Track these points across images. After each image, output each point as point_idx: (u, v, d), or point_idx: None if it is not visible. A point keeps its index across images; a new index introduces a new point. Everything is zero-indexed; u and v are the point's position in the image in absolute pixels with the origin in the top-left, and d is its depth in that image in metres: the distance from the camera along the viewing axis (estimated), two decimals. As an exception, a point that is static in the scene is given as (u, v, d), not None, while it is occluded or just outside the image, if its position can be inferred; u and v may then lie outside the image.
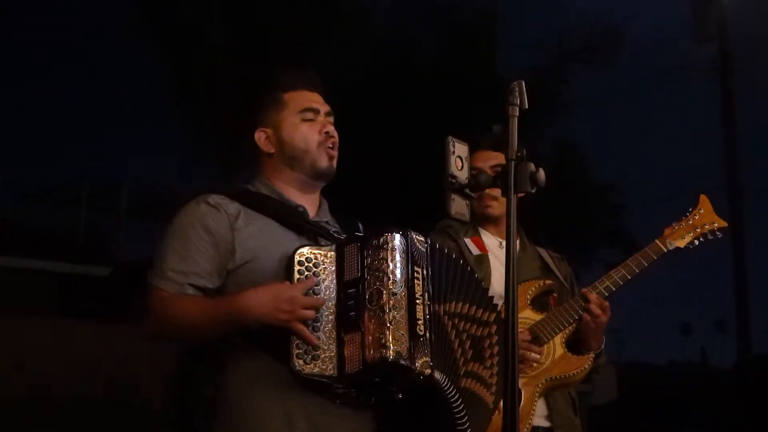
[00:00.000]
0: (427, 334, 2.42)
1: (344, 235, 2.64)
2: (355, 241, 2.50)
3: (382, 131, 15.28)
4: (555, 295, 3.66)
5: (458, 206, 2.33)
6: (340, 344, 2.40)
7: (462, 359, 2.56)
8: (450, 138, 2.33)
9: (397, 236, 2.44)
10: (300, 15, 14.82)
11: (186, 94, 15.41)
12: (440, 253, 2.59)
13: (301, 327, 2.39)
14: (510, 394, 2.12)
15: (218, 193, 2.66)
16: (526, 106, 2.23)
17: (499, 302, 2.72)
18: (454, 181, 2.31)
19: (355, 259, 2.46)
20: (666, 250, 3.57)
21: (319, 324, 2.42)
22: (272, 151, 2.75)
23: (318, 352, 2.39)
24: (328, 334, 2.42)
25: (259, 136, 2.77)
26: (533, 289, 3.59)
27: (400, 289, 2.39)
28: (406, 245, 2.45)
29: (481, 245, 3.62)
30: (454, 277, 2.61)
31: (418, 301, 2.41)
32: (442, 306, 2.53)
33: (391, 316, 2.35)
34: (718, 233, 3.63)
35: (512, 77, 2.29)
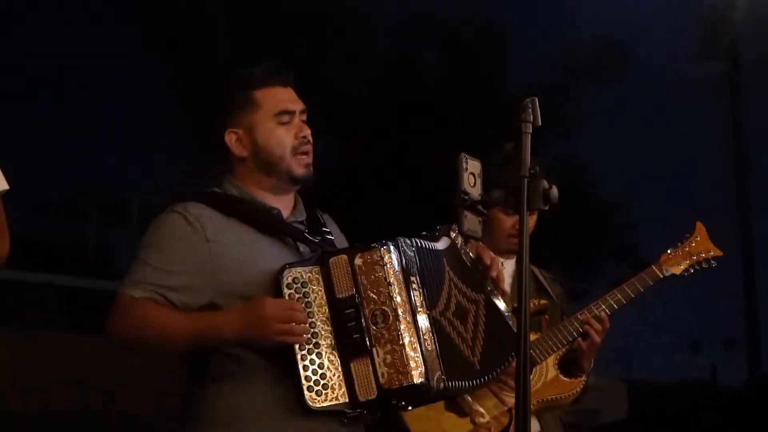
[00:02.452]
0: (435, 347, 2.38)
1: (318, 238, 2.59)
2: (341, 254, 2.42)
3: (389, 147, 15.28)
4: (547, 316, 3.68)
5: (470, 223, 2.32)
6: (346, 369, 2.34)
7: (467, 354, 2.53)
8: (463, 155, 2.32)
9: (392, 248, 2.40)
10: (306, 29, 14.85)
11: (195, 109, 15.44)
12: (426, 252, 2.53)
13: (285, 341, 2.33)
14: (522, 411, 2.10)
15: (191, 200, 2.58)
16: (539, 123, 2.21)
17: None
18: (466, 197, 2.30)
19: (344, 274, 2.38)
20: (662, 276, 3.62)
21: (320, 350, 2.35)
22: (245, 154, 2.63)
23: (326, 381, 2.33)
24: (331, 360, 2.35)
25: (230, 138, 2.64)
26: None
27: (404, 307, 2.35)
28: (400, 256, 2.40)
29: None
30: (438, 272, 2.55)
31: (419, 314, 2.38)
32: (440, 309, 2.48)
33: (401, 338, 2.31)
34: (713, 262, 3.69)
35: (520, 93, 2.28)
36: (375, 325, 2.33)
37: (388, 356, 2.29)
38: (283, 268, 2.41)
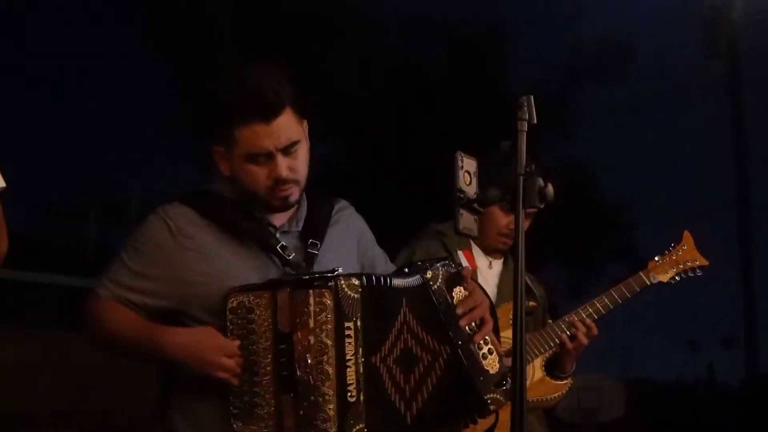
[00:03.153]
0: (361, 397, 2.29)
1: (300, 255, 2.52)
2: (288, 286, 2.35)
3: (392, 146, 15.29)
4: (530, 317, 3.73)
5: (466, 221, 2.31)
6: (277, 402, 2.31)
7: (399, 407, 2.40)
8: (458, 153, 2.31)
9: (323, 291, 2.31)
10: (308, 29, 14.85)
11: (195, 110, 15.45)
12: (375, 289, 2.39)
13: (222, 376, 2.32)
14: (519, 409, 2.11)
15: (176, 201, 2.55)
16: (535, 121, 2.22)
17: None
18: (462, 195, 2.29)
19: (286, 309, 2.32)
20: (648, 284, 3.69)
21: (257, 378, 2.32)
22: (227, 174, 2.55)
23: (256, 410, 2.31)
24: (267, 389, 2.32)
25: (216, 151, 2.56)
26: None
27: (326, 355, 2.28)
28: (334, 298, 2.31)
29: (471, 260, 3.64)
30: (390, 313, 2.42)
31: (349, 362, 2.29)
32: (382, 354, 2.37)
33: (317, 389, 2.27)
34: (698, 271, 3.76)
35: (522, 93, 2.28)
36: (299, 368, 2.28)
37: (306, 403, 2.26)
38: (230, 293, 2.36)
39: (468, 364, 2.49)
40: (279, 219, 2.59)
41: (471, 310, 2.55)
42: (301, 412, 2.26)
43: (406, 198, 14.41)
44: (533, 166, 2.22)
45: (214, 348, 2.33)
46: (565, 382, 3.62)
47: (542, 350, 3.57)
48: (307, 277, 2.36)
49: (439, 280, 2.54)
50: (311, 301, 2.29)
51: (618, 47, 17.56)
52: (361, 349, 2.31)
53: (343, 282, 2.32)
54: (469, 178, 2.31)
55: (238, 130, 2.44)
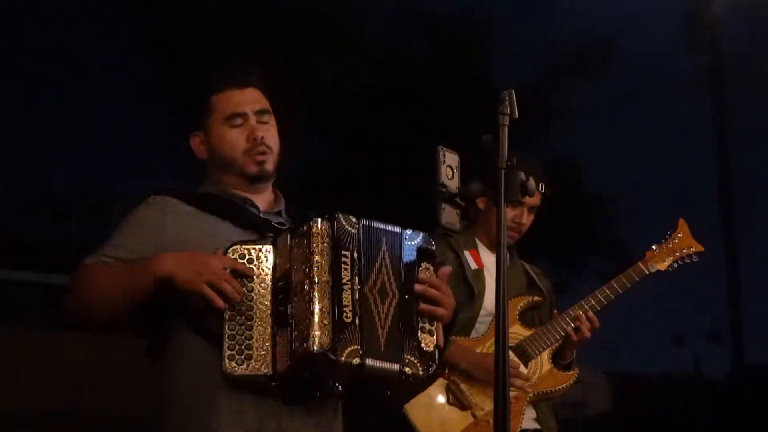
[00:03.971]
0: (356, 321, 2.34)
1: (283, 228, 2.58)
2: (287, 232, 2.45)
3: (376, 142, 15.29)
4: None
5: (449, 215, 2.32)
6: (273, 342, 2.36)
7: (394, 333, 2.45)
8: (440, 147, 2.33)
9: (320, 221, 2.39)
10: (295, 27, 14.84)
11: (179, 108, 15.41)
12: (373, 229, 2.49)
13: (208, 291, 2.33)
14: (501, 405, 2.12)
15: (162, 194, 2.62)
16: (516, 116, 2.23)
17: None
18: (444, 190, 2.31)
19: (285, 250, 2.42)
20: (648, 273, 3.78)
21: (252, 323, 2.37)
22: (204, 156, 2.70)
23: (251, 352, 2.35)
24: (262, 332, 2.37)
25: (194, 141, 2.72)
26: (522, 304, 3.80)
27: (323, 277, 2.34)
28: (331, 230, 2.39)
29: (477, 260, 3.72)
30: (376, 250, 2.50)
31: (345, 287, 2.35)
32: (370, 285, 2.43)
33: (313, 306, 2.30)
34: (695, 257, 3.86)
35: (505, 88, 2.29)
36: (296, 296, 2.35)
37: (302, 327, 2.29)
38: (229, 246, 2.45)
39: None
40: (261, 204, 2.69)
41: (430, 287, 2.55)
42: (295, 334, 2.30)
43: (389, 193, 14.42)
44: (514, 160, 2.23)
45: (210, 263, 2.36)
46: (572, 372, 3.74)
47: (549, 344, 3.68)
48: (305, 225, 2.42)
49: (415, 242, 2.57)
50: (313, 230, 2.37)
51: (600, 41, 17.60)
52: (356, 278, 2.38)
53: (342, 217, 2.41)
54: (451, 173, 2.33)
55: (214, 98, 2.65)
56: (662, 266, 3.81)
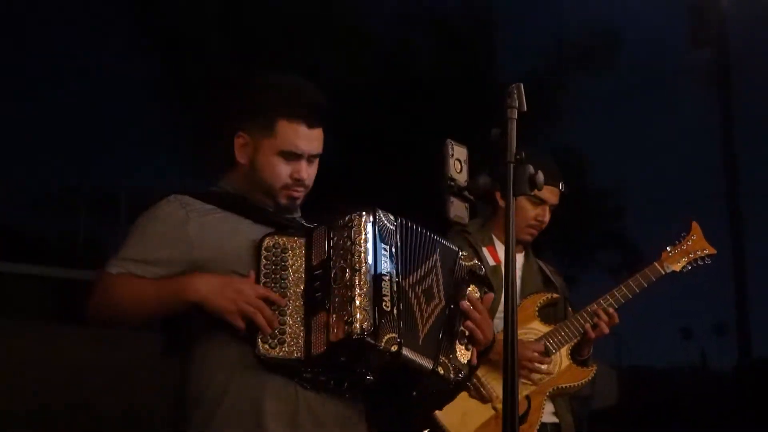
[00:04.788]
0: (395, 310, 2.38)
1: (313, 225, 2.61)
2: (324, 225, 2.50)
3: (380, 137, 15.28)
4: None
5: (457, 209, 2.33)
6: (307, 328, 2.39)
7: (434, 334, 2.52)
8: (449, 141, 2.33)
9: (363, 215, 2.43)
10: (297, 22, 14.83)
11: (184, 102, 15.42)
12: (410, 229, 2.55)
13: (240, 323, 2.36)
14: (510, 397, 2.12)
15: (183, 193, 2.63)
16: (525, 109, 2.23)
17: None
18: (452, 183, 2.32)
19: (322, 241, 2.46)
20: (664, 273, 3.90)
21: (286, 308, 2.40)
22: (244, 162, 2.68)
23: (284, 336, 2.38)
24: (295, 319, 2.40)
25: (238, 141, 2.69)
26: (541, 301, 3.88)
27: (364, 266, 2.37)
28: (373, 223, 2.43)
29: (495, 256, 3.79)
30: (422, 250, 2.57)
31: (384, 278, 2.39)
32: (411, 281, 2.49)
33: (354, 292, 2.34)
34: (707, 260, 3.98)
35: (510, 82, 2.29)
36: (335, 283, 2.37)
37: (342, 312, 2.32)
38: (265, 236, 2.48)
39: (446, 329, 2.55)
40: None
41: (475, 309, 2.63)
42: (334, 318, 2.33)
43: (393, 188, 14.43)
44: (523, 154, 2.22)
45: (243, 291, 2.39)
46: (591, 369, 3.84)
47: (568, 340, 3.78)
48: (346, 217, 2.46)
49: (467, 263, 2.68)
50: (355, 222, 2.42)
51: (605, 35, 17.56)
52: (395, 271, 2.43)
53: (381, 213, 2.48)
54: (459, 166, 2.33)
55: (280, 122, 2.61)
56: (677, 267, 3.91)
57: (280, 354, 2.37)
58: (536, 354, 3.67)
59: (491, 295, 2.70)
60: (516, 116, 2.21)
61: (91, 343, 11.13)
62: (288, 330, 2.38)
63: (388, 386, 2.52)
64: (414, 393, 2.57)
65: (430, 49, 17.70)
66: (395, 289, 2.40)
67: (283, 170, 2.63)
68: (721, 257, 4.03)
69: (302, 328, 2.39)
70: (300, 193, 2.69)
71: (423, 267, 2.54)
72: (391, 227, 2.49)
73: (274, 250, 2.45)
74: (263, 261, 2.44)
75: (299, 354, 2.37)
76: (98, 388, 10.48)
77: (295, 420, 2.44)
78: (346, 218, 2.43)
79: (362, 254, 2.38)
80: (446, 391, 2.69)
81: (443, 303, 2.56)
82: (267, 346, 2.36)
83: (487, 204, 3.83)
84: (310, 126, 2.66)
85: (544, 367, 3.66)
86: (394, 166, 14.79)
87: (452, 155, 2.32)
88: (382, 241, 2.43)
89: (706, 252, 3.95)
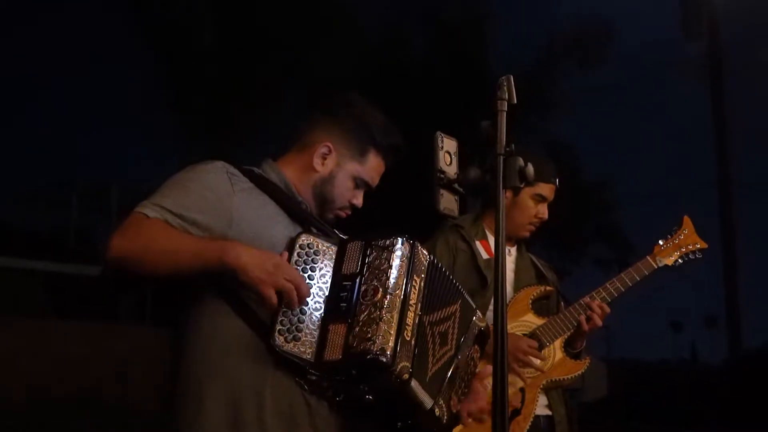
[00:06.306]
0: (413, 342, 2.40)
1: (346, 237, 2.60)
2: (360, 239, 2.50)
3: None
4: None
5: (447, 201, 2.33)
6: (324, 332, 2.39)
7: (440, 377, 2.57)
8: (438, 133, 2.33)
9: (403, 241, 2.45)
10: (290, 16, 14.82)
11: (177, 96, 15.40)
12: (438, 269, 2.59)
13: (274, 296, 2.33)
14: (500, 389, 2.12)
15: (231, 164, 2.61)
16: (515, 101, 2.22)
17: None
18: (442, 176, 2.31)
19: (356, 255, 2.46)
20: (656, 267, 3.91)
21: (306, 308, 2.40)
22: (318, 170, 2.70)
23: (300, 334, 2.38)
24: (313, 320, 2.40)
25: (320, 150, 2.71)
26: (535, 294, 3.85)
27: (395, 291, 2.38)
28: (410, 253, 2.45)
29: (488, 249, 3.79)
30: (445, 294, 2.63)
31: (410, 308, 2.41)
32: (430, 320, 2.53)
33: (382, 313, 2.34)
34: (698, 254, 3.99)
35: (501, 75, 2.28)
36: (363, 298, 2.38)
37: (365, 326, 2.34)
38: (302, 231, 2.50)
39: (449, 375, 2.63)
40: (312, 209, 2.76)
41: (474, 364, 2.77)
42: (357, 331, 2.35)
43: (385, 181, 14.42)
44: (513, 146, 2.22)
45: (281, 267, 2.37)
46: (584, 361, 3.83)
47: (562, 332, 3.78)
48: (387, 240, 2.49)
49: (480, 324, 2.78)
50: (396, 247, 2.44)
51: (597, 27, 17.59)
52: (419, 305, 2.46)
53: (419, 246, 2.50)
54: (449, 159, 2.33)
55: (372, 154, 2.73)
56: (669, 261, 3.93)
57: (294, 350, 2.37)
58: (530, 348, 3.67)
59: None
60: (506, 108, 2.20)
61: (82, 337, 11.13)
62: (304, 329, 2.39)
63: (382, 410, 2.53)
64: (400, 424, 2.59)
65: (421, 41, 17.72)
66: (416, 321, 2.44)
67: (349, 193, 2.73)
68: (712, 251, 4.03)
69: (318, 331, 2.40)
70: (345, 214, 2.77)
71: (443, 310, 2.60)
72: (424, 262, 2.52)
73: (307, 249, 2.46)
74: (295, 257, 2.45)
75: (310, 355, 2.37)
76: (89, 381, 10.48)
77: (294, 420, 2.45)
78: (388, 241, 2.45)
79: (397, 279, 2.40)
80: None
81: (453, 351, 2.63)
82: (282, 339, 2.36)
83: (478, 197, 3.83)
84: (386, 163, 2.79)
85: (537, 362, 3.66)
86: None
87: (442, 148, 2.32)
88: (414, 272, 2.46)
89: (697, 246, 3.97)
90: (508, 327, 3.52)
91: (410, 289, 2.42)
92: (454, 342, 2.64)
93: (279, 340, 2.36)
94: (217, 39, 14.83)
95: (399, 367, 2.34)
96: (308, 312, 2.41)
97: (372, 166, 2.74)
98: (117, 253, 2.39)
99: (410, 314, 2.41)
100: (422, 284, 2.48)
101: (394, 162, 2.79)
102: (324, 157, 2.70)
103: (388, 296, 2.37)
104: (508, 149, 2.20)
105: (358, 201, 2.75)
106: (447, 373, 2.60)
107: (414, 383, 2.40)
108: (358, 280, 2.42)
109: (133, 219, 2.44)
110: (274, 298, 2.34)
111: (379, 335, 2.32)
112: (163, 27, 15.11)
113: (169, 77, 15.58)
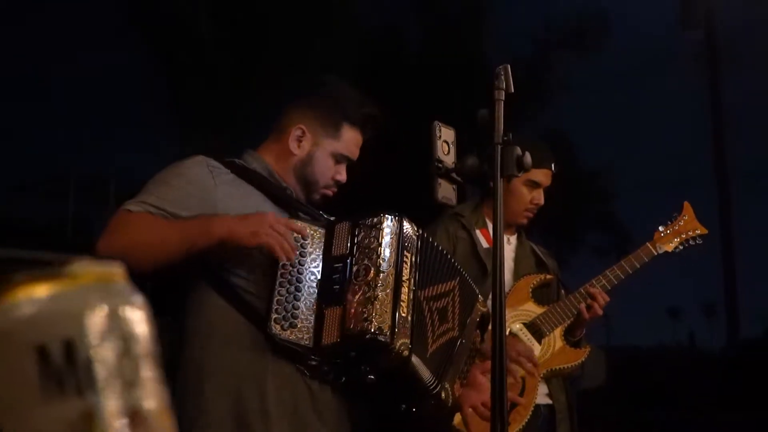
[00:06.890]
0: (410, 317, 2.39)
1: (332, 218, 2.60)
2: (347, 220, 2.50)
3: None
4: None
5: (445, 190, 2.33)
6: (319, 317, 2.38)
7: (441, 356, 2.56)
8: (436, 122, 2.33)
9: (390, 218, 2.45)
10: (288, 5, 14.79)
11: (174, 87, 15.38)
12: (430, 244, 2.58)
13: (272, 241, 2.32)
14: (498, 377, 2.12)
15: (211, 158, 2.61)
16: (512, 90, 2.22)
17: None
18: (440, 165, 2.31)
19: (344, 236, 2.47)
20: (656, 253, 3.88)
21: (300, 294, 2.40)
22: (295, 153, 2.70)
23: (296, 321, 2.37)
24: (308, 306, 2.40)
25: (294, 133, 2.70)
26: (535, 282, 3.83)
27: (387, 268, 2.38)
28: (399, 229, 2.45)
29: (489, 238, 3.79)
30: (440, 269, 2.62)
31: (404, 284, 2.39)
32: (426, 295, 2.52)
33: (375, 292, 2.34)
34: (698, 240, 3.96)
35: (499, 65, 2.28)
36: (356, 279, 2.38)
37: (360, 307, 2.33)
38: (289, 217, 2.49)
39: (454, 355, 2.62)
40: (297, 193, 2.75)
41: (476, 350, 2.77)
42: (352, 312, 2.34)
43: (383, 171, 14.43)
44: (510, 135, 2.22)
45: (267, 219, 2.37)
46: (584, 350, 3.82)
47: (562, 321, 3.76)
48: (373, 218, 2.49)
49: (482, 309, 2.79)
50: (383, 224, 2.44)
51: (594, 17, 17.58)
52: (413, 280, 2.45)
53: (406, 220, 2.50)
54: (447, 148, 2.33)
55: (345, 128, 2.72)
56: (669, 247, 3.90)
57: (291, 337, 2.36)
58: (527, 353, 3.63)
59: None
60: (503, 98, 2.20)
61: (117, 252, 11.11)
62: (300, 315, 2.38)
63: (384, 391, 2.52)
64: (404, 406, 2.57)
65: (419, 30, 17.70)
66: (411, 297, 2.42)
67: (330, 170, 2.72)
68: (710, 238, 4.03)
69: (314, 316, 2.39)
70: (331, 192, 2.76)
71: (440, 286, 2.60)
72: (414, 237, 2.52)
73: (295, 234, 2.44)
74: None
75: (308, 341, 2.36)
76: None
77: (297, 407, 2.44)
78: (374, 219, 2.45)
79: (388, 257, 2.40)
80: (432, 419, 2.69)
81: (456, 332, 2.63)
82: (279, 327, 2.35)
83: (478, 186, 3.83)
84: (365, 135, 2.79)
85: (529, 365, 3.61)
86: (383, 148, 14.78)
87: (440, 137, 2.32)
88: (405, 248, 2.45)
89: (698, 232, 3.95)
90: (508, 315, 3.53)
91: (402, 264, 2.42)
92: (456, 321, 2.63)
93: (276, 328, 2.36)
94: (214, 30, 14.80)
95: (398, 344, 2.33)
96: (302, 297, 2.40)
97: (348, 140, 2.73)
98: (104, 254, 2.39)
99: (404, 290, 2.40)
100: (413, 259, 2.48)
101: (374, 132, 2.80)
102: (299, 140, 2.71)
103: (380, 274, 2.37)
104: (505, 138, 2.20)
105: (342, 176, 2.75)
106: (451, 353, 2.59)
107: (415, 359, 2.39)
108: (348, 261, 2.42)
109: (117, 218, 2.45)
110: (275, 246, 2.34)
111: (375, 314, 2.31)
112: (159, 19, 15.09)
113: (165, 68, 15.57)
